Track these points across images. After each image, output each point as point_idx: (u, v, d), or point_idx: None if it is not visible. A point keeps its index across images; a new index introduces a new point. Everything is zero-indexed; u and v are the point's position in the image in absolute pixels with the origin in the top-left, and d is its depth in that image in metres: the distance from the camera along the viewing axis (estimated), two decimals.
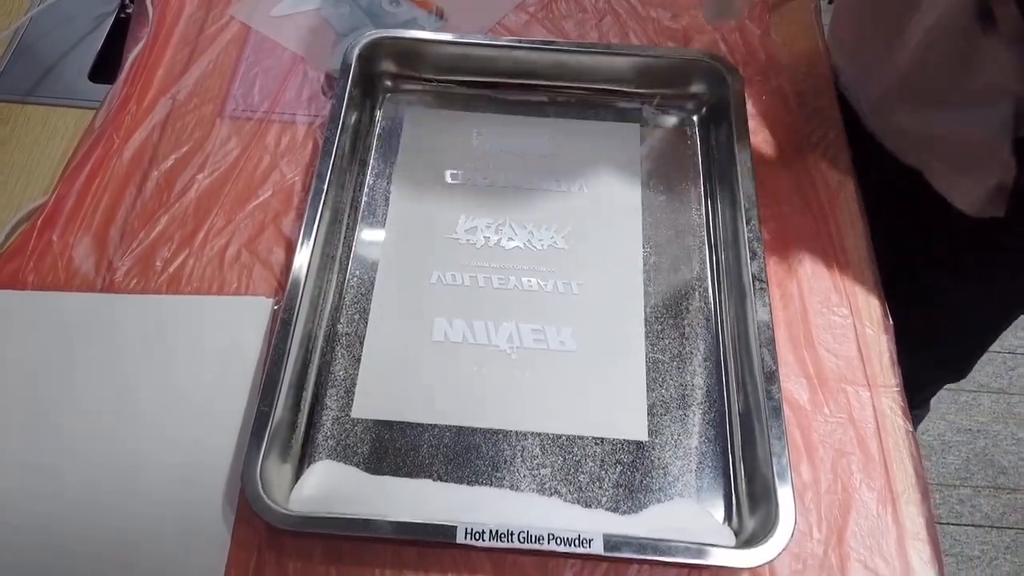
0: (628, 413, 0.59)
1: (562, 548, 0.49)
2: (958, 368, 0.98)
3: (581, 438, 0.58)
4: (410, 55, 0.74)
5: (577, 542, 0.49)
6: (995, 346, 1.60)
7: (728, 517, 0.55)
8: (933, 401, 1.20)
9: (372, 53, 0.73)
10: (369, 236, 0.66)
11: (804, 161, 0.73)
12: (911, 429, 0.60)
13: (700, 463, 0.57)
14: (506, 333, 0.62)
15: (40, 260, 0.63)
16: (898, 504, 0.56)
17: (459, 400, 0.59)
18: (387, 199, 0.69)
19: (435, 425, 0.58)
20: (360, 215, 0.68)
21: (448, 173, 0.70)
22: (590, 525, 0.52)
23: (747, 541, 0.52)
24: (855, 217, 0.70)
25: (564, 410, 0.59)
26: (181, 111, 0.73)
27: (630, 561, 0.51)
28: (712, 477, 0.57)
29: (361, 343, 0.61)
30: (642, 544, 0.50)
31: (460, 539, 0.49)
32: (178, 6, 0.79)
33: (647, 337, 0.62)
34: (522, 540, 0.49)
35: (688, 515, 0.55)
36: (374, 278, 0.64)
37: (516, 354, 0.61)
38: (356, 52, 0.72)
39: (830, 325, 0.64)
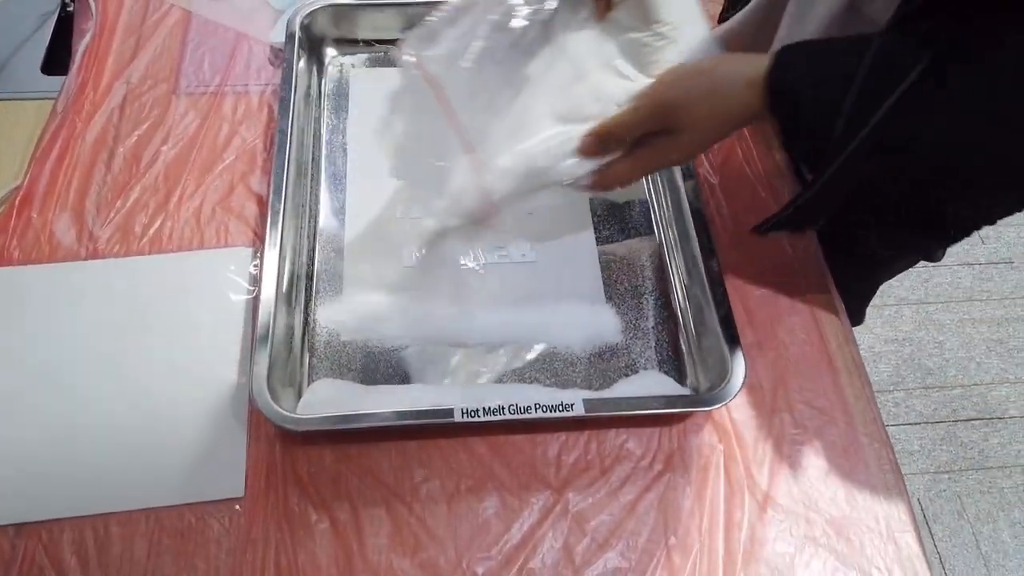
0: (588, 308, 0.66)
1: (548, 415, 0.55)
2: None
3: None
4: (348, 20, 0.80)
5: (560, 407, 0.56)
6: None
7: (686, 380, 0.62)
8: None
9: (313, 21, 0.78)
10: (333, 185, 0.72)
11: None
12: (835, 292, 0.68)
13: (657, 340, 0.64)
14: (471, 254, 0.68)
15: (23, 237, 0.67)
16: (829, 348, 0.65)
17: (438, 315, 0.64)
18: (344, 150, 0.74)
19: (418, 339, 0.63)
20: (322, 167, 0.73)
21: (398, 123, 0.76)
22: (570, 396, 0.59)
23: (705, 392, 0.59)
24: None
25: (533, 311, 0.65)
26: (136, 92, 0.77)
27: (608, 421, 0.58)
28: (669, 350, 0.64)
29: (340, 277, 0.66)
30: (617, 402, 0.57)
31: (457, 418, 0.55)
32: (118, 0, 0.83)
33: (598, 242, 0.69)
34: (512, 412, 0.55)
35: (653, 383, 0.62)
36: (344, 220, 0.69)
37: (483, 269, 0.67)
38: (299, 20, 0.77)
39: (756, 209, 0.72)
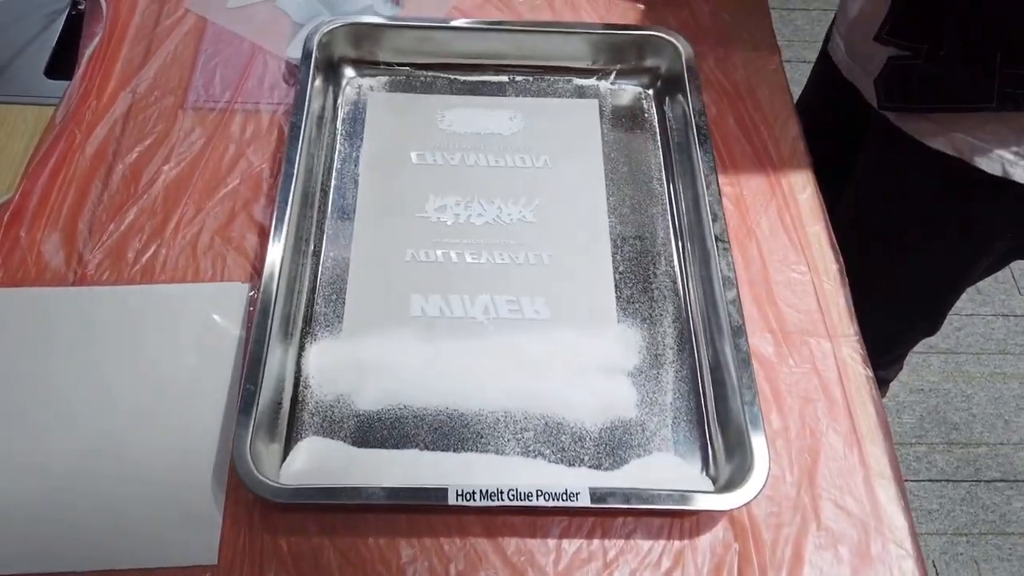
0: (604, 378, 0.61)
1: (551, 503, 0.51)
2: (931, 322, 1.00)
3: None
4: (369, 40, 0.75)
5: (565, 496, 0.51)
6: None
7: (705, 467, 0.57)
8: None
9: (332, 40, 0.74)
10: (341, 218, 0.67)
11: (756, 129, 0.76)
12: (871, 375, 0.63)
13: (675, 418, 0.59)
14: (481, 305, 0.63)
15: (8, 256, 0.63)
16: (863, 445, 0.59)
17: (440, 372, 0.60)
18: (356, 182, 0.69)
19: (418, 397, 0.59)
20: (330, 199, 0.68)
21: (414, 154, 0.71)
22: (575, 482, 0.54)
23: (725, 486, 0.54)
24: (807, 179, 0.73)
25: (543, 376, 0.60)
26: (142, 104, 0.73)
27: (615, 512, 0.53)
28: (687, 430, 0.59)
29: (340, 322, 0.62)
30: (626, 494, 0.52)
31: (452, 500, 0.51)
32: (131, 1, 0.79)
33: (618, 302, 0.64)
34: (512, 498, 0.51)
35: (667, 467, 0.57)
36: (348, 258, 0.65)
37: (492, 325, 0.62)
38: (316, 39, 0.72)
39: (790, 282, 0.67)
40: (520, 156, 0.72)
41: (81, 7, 0.79)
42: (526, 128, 0.74)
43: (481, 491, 0.51)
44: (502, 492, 0.51)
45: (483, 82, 0.77)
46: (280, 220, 0.61)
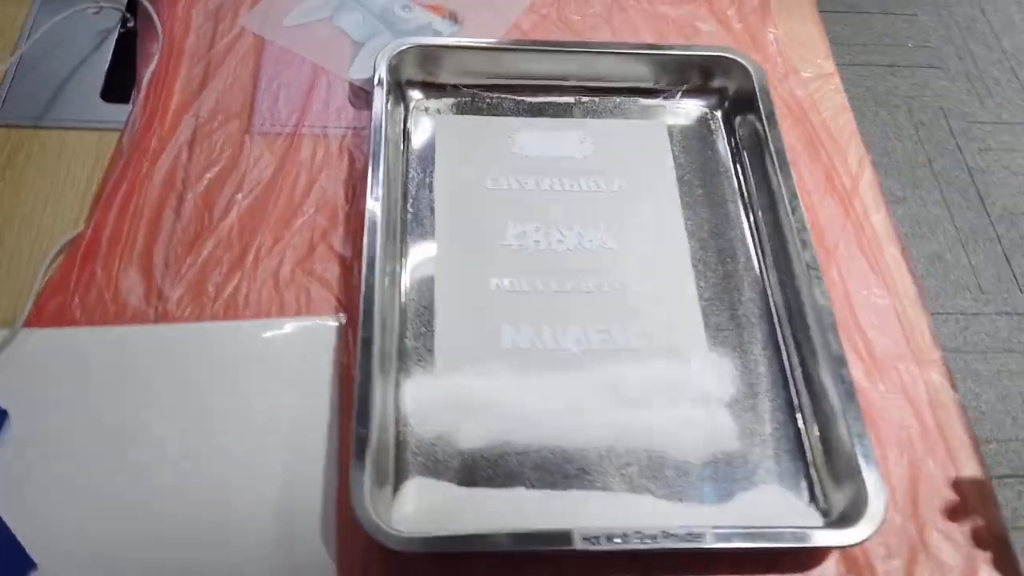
0: (702, 409, 0.61)
1: (677, 545, 0.51)
2: None
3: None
4: (436, 62, 0.74)
5: (690, 537, 0.51)
6: (948, 307, 1.69)
7: (812, 499, 0.57)
8: None
9: (400, 62, 0.72)
10: (421, 248, 0.66)
11: (823, 149, 0.76)
12: (959, 399, 0.63)
13: (776, 449, 0.59)
14: (574, 336, 0.62)
15: (85, 294, 0.61)
16: (960, 470, 0.60)
17: (539, 407, 0.59)
18: (431, 209, 0.68)
19: (520, 433, 0.58)
20: (408, 227, 0.67)
21: (488, 179, 0.70)
22: (687, 519, 0.54)
23: (838, 520, 0.54)
24: (878, 200, 0.74)
25: (642, 408, 0.60)
26: (206, 129, 0.70)
27: (739, 551, 0.53)
28: (790, 462, 0.59)
29: (431, 355, 0.61)
30: (751, 534, 0.52)
31: (577, 545, 0.50)
32: (185, 18, 0.77)
33: (706, 330, 0.64)
34: (638, 540, 0.50)
35: (774, 500, 0.57)
36: (432, 289, 0.64)
37: (586, 356, 0.62)
38: (387, 62, 0.71)
39: (873, 307, 0.67)
40: (594, 180, 0.71)
41: (131, 25, 0.76)
42: (597, 151, 0.73)
43: (606, 535, 0.50)
44: (627, 535, 0.50)
45: (549, 103, 0.76)
46: (372, 251, 0.60)
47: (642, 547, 0.50)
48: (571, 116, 0.75)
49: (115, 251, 0.63)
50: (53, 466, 0.54)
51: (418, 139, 0.72)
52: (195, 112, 0.71)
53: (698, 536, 0.51)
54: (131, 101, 0.71)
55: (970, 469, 0.60)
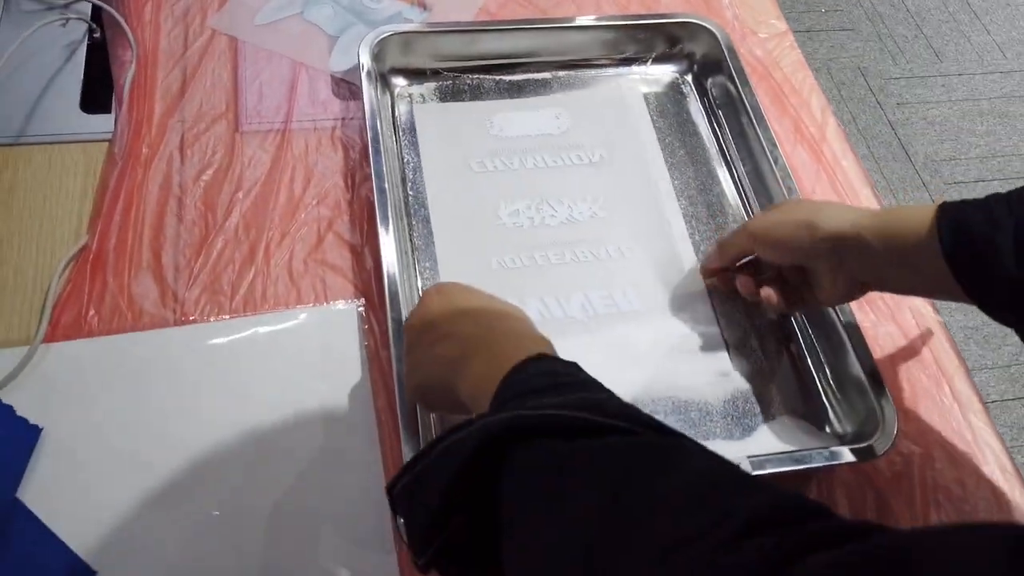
0: (712, 355, 0.64)
1: None
2: None
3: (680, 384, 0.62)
4: (417, 48, 0.75)
5: None
6: None
7: (828, 424, 0.61)
8: None
9: (382, 50, 0.73)
10: (423, 229, 0.67)
11: (788, 101, 0.81)
12: (940, 319, 0.69)
13: (787, 382, 0.63)
14: (578, 304, 0.65)
15: (100, 304, 0.60)
16: (953, 384, 0.65)
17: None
18: (426, 192, 0.69)
19: None
20: (412, 209, 0.68)
21: (473, 163, 0.71)
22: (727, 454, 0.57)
23: (855, 439, 0.58)
24: (844, 146, 0.79)
25: (656, 363, 0.62)
26: (194, 132, 0.70)
27: (775, 476, 0.56)
28: (802, 392, 0.63)
29: None
30: (781, 458, 0.55)
31: None
32: (154, 24, 0.76)
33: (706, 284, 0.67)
34: None
35: (795, 429, 0.61)
36: (437, 270, 0.65)
37: (593, 321, 0.64)
38: (370, 51, 0.72)
39: None
40: (576, 153, 0.73)
41: (97, 35, 0.75)
42: (574, 125, 0.75)
43: None
44: None
45: (527, 80, 0.78)
46: (386, 236, 0.61)
47: None
48: (547, 93, 0.77)
49: (123, 260, 0.62)
50: (95, 476, 0.53)
51: (406, 125, 0.73)
52: (180, 116, 0.71)
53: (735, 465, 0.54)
54: (112, 110, 0.70)
55: (961, 381, 0.65)
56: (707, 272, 0.66)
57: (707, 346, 0.64)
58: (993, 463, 0.62)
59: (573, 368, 0.43)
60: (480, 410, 0.42)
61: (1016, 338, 0.50)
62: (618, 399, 0.40)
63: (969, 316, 1.69)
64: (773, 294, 0.61)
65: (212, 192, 0.67)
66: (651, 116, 0.77)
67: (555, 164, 0.73)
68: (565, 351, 0.61)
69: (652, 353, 0.63)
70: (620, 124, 0.76)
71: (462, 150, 0.72)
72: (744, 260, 0.64)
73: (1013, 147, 2.06)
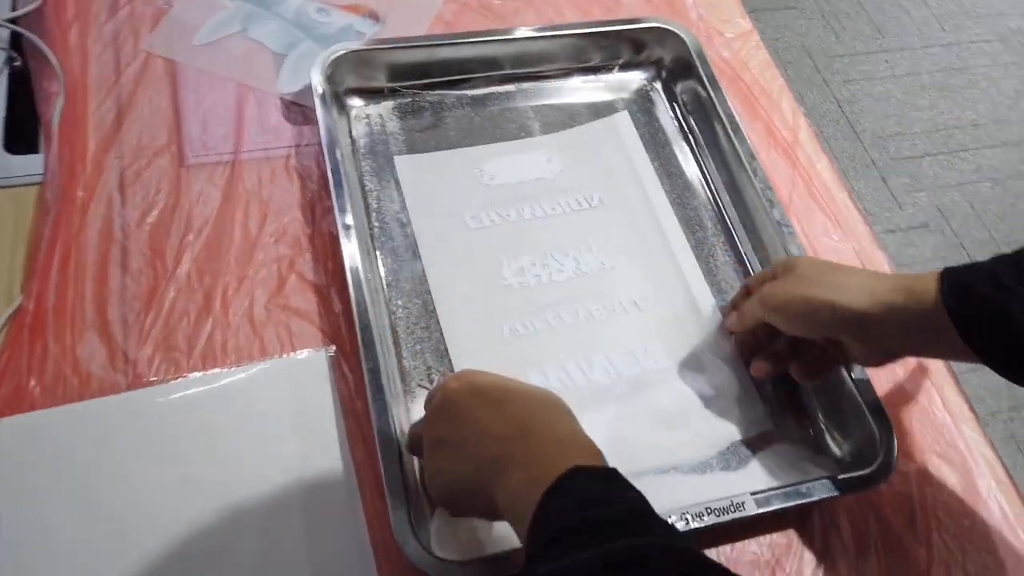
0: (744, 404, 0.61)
1: (722, 518, 0.51)
2: None
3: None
4: (373, 65, 0.70)
5: (732, 508, 0.52)
6: None
7: (821, 449, 0.59)
8: None
9: (336, 69, 0.68)
10: (396, 261, 0.63)
11: (758, 105, 0.78)
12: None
13: (781, 407, 0.61)
14: (600, 368, 0.60)
15: (41, 371, 0.54)
16: (944, 395, 0.64)
17: None
18: (400, 222, 0.65)
19: None
20: (377, 242, 0.64)
21: (468, 218, 0.66)
22: (720, 490, 0.55)
23: (853, 463, 0.57)
24: (817, 148, 0.77)
25: (682, 426, 0.59)
26: (134, 169, 0.64)
27: (781, 511, 0.54)
28: (794, 417, 0.61)
29: (428, 371, 0.58)
30: (787, 493, 0.53)
31: None
32: (81, 49, 0.69)
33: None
34: (683, 522, 0.51)
35: (791, 455, 0.59)
36: (425, 303, 0.61)
37: (618, 386, 0.59)
38: (322, 72, 0.67)
39: (835, 252, 0.70)
40: (574, 198, 0.68)
41: (17, 64, 0.68)
42: (566, 167, 0.70)
43: None
44: (672, 517, 0.51)
45: (491, 94, 0.74)
46: (356, 276, 0.57)
47: (691, 527, 0.51)
48: (530, 135, 0.72)
49: (65, 319, 0.56)
50: (45, 571, 0.48)
51: (366, 148, 0.69)
52: (118, 152, 0.65)
53: (739, 505, 0.52)
54: (41, 149, 0.64)
55: (951, 391, 0.64)
56: (731, 332, 0.62)
57: (742, 399, 0.60)
58: (988, 475, 0.61)
59: (612, 485, 0.42)
60: (517, 524, 0.41)
61: None
62: (658, 526, 0.40)
63: None
64: (765, 367, 0.59)
65: (159, 236, 0.61)
66: (636, 146, 0.73)
67: (554, 212, 0.67)
68: (596, 425, 0.55)
69: (679, 416, 0.59)
70: (608, 162, 0.71)
71: (454, 204, 0.66)
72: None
73: (955, 120, 2.10)
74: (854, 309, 0.51)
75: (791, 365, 0.59)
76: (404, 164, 0.68)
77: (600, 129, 0.73)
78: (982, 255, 1.88)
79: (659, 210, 0.69)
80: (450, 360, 0.59)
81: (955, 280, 0.49)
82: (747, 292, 0.61)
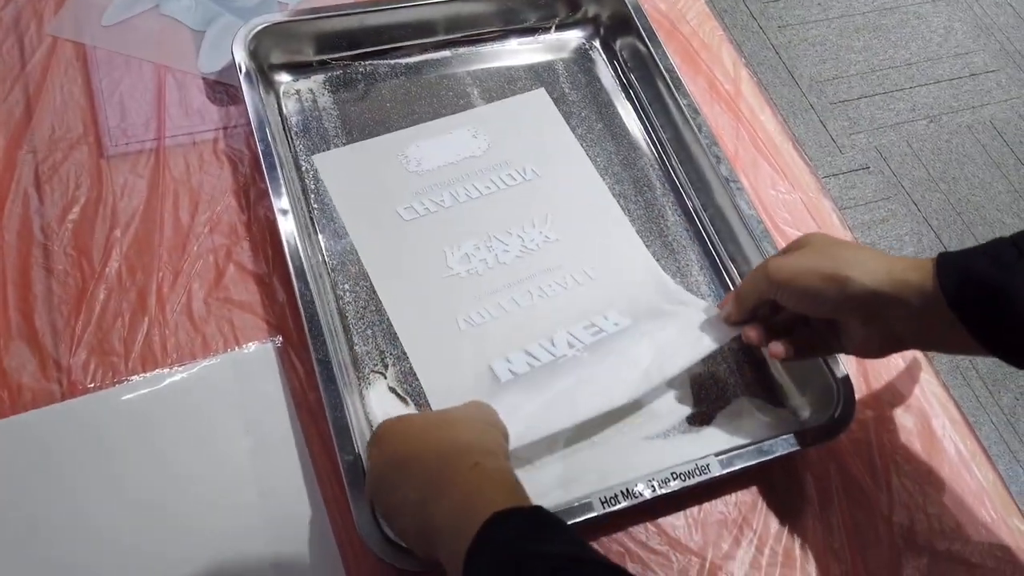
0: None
1: (689, 482, 0.51)
2: None
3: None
4: (299, 38, 0.67)
5: (698, 472, 0.52)
6: None
7: (783, 402, 0.60)
8: None
9: (259, 44, 0.64)
10: (338, 243, 0.61)
11: (699, 57, 0.77)
12: None
13: (738, 362, 0.61)
14: (564, 342, 0.58)
15: None
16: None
17: (539, 411, 0.54)
18: (336, 205, 0.62)
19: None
20: (318, 224, 0.61)
21: (401, 209, 0.63)
22: (683, 453, 0.55)
23: (814, 415, 0.57)
24: (760, 100, 0.76)
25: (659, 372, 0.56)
26: (50, 163, 0.60)
27: (745, 470, 0.54)
28: (753, 371, 0.61)
29: (387, 357, 0.57)
30: (750, 452, 0.53)
31: (598, 510, 0.49)
32: None
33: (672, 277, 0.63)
34: (654, 489, 0.50)
35: (752, 410, 0.59)
36: (369, 288, 0.59)
37: (585, 354, 0.57)
38: (245, 47, 0.63)
39: (783, 204, 0.70)
40: (507, 173, 0.66)
41: None
42: (494, 142, 0.67)
43: (622, 491, 0.50)
44: (640, 490, 0.50)
45: (425, 61, 0.71)
46: (297, 262, 0.55)
47: (659, 494, 0.50)
48: (456, 111, 0.68)
49: None
50: None
51: (299, 127, 0.66)
52: (30, 146, 0.61)
53: (704, 468, 0.52)
54: None
55: None
56: (730, 323, 0.57)
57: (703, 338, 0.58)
58: (943, 414, 0.62)
59: (535, 532, 0.39)
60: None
61: None
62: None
63: None
64: (782, 350, 0.54)
65: (83, 233, 0.58)
66: (565, 110, 0.70)
67: (488, 190, 0.65)
68: (567, 392, 0.54)
69: (655, 367, 0.57)
70: (537, 130, 0.69)
71: (383, 197, 0.63)
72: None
73: (889, 59, 2.12)
74: (869, 286, 0.47)
75: (778, 341, 0.54)
76: (323, 161, 0.64)
77: (521, 101, 0.70)
78: (920, 193, 1.90)
79: (591, 178, 0.67)
80: (410, 363, 0.56)
81: (950, 264, 0.46)
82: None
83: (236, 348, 0.56)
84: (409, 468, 0.44)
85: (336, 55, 0.69)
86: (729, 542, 0.54)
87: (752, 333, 0.55)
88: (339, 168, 0.64)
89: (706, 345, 0.56)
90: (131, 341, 0.55)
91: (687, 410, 0.57)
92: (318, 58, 0.68)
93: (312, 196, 0.62)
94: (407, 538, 0.44)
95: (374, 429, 0.48)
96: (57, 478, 0.49)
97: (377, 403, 0.55)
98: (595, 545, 0.52)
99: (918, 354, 0.64)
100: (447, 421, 0.47)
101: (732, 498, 0.56)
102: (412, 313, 0.58)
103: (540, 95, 0.71)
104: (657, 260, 0.64)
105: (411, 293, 0.59)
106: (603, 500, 0.50)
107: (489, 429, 0.48)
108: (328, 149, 0.65)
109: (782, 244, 0.66)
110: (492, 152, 0.67)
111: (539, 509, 0.40)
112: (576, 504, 0.50)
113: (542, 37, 0.74)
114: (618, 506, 0.50)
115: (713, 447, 0.55)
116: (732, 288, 0.64)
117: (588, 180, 0.67)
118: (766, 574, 0.53)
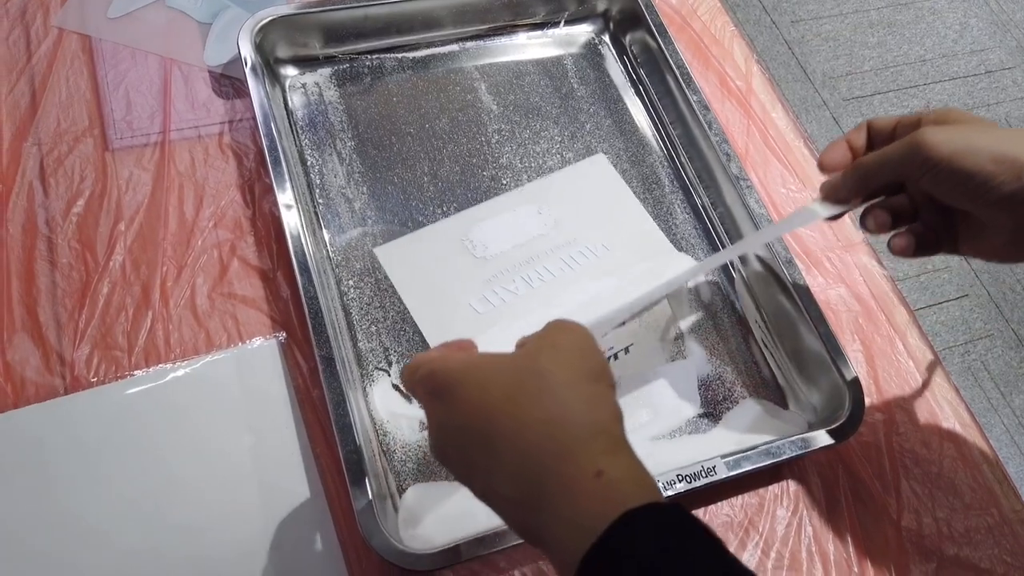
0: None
1: (694, 484, 0.50)
2: None
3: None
4: (306, 31, 0.66)
5: (704, 473, 0.51)
6: None
7: (792, 402, 0.59)
8: None
9: (265, 37, 0.64)
10: (343, 238, 0.60)
11: (710, 53, 0.76)
12: (888, 274, 0.67)
13: (746, 362, 0.60)
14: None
15: None
16: (905, 340, 0.64)
17: None
18: (345, 196, 0.62)
19: None
20: (323, 220, 0.61)
21: (473, 301, 0.59)
22: (689, 455, 0.54)
23: (825, 418, 0.56)
24: (772, 97, 0.75)
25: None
26: (55, 156, 0.60)
27: (752, 472, 0.53)
28: (761, 371, 0.60)
29: (386, 353, 0.56)
30: (758, 454, 0.53)
31: None
32: None
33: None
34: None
35: (760, 411, 0.58)
36: (384, 285, 0.58)
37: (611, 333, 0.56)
38: (251, 41, 0.63)
39: (793, 203, 0.69)
40: (577, 251, 0.62)
41: None
42: (560, 218, 0.63)
43: None
44: None
45: (432, 55, 0.71)
46: (302, 258, 0.54)
47: (665, 496, 0.50)
48: (512, 187, 0.65)
49: None
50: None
51: (304, 121, 0.65)
52: (35, 139, 0.60)
53: (711, 470, 0.51)
54: None
55: (914, 336, 0.64)
56: (835, 199, 0.48)
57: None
58: (953, 418, 0.61)
59: (678, 542, 0.32)
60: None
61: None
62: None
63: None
64: (906, 243, 0.46)
65: (88, 227, 0.58)
66: (572, 106, 0.69)
67: (561, 272, 0.61)
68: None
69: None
70: (603, 198, 0.66)
71: (451, 290, 0.59)
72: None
73: (903, 56, 2.10)
74: None
75: (900, 235, 0.47)
76: (386, 254, 0.60)
77: (581, 168, 0.67)
78: None
79: (660, 243, 0.64)
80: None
81: None
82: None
83: (240, 344, 0.55)
84: (496, 449, 0.34)
85: (343, 49, 0.68)
86: (735, 545, 0.53)
87: (879, 216, 0.46)
88: (403, 259, 0.60)
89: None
90: (134, 336, 0.54)
91: (694, 411, 0.57)
92: (324, 52, 0.68)
93: (317, 191, 0.62)
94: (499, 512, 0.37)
95: (429, 365, 0.38)
96: (59, 473, 0.49)
97: (381, 400, 0.55)
98: None
99: (930, 355, 0.63)
100: (545, 382, 0.35)
101: (738, 500, 0.55)
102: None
103: (600, 160, 0.67)
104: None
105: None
106: None
107: (599, 395, 0.36)
108: (334, 146, 0.64)
109: (791, 244, 0.65)
110: (560, 229, 0.63)
111: (678, 508, 0.33)
112: None
113: (551, 31, 0.74)
114: None
115: (720, 449, 0.54)
116: (738, 287, 0.63)
117: (657, 248, 0.64)
118: None
